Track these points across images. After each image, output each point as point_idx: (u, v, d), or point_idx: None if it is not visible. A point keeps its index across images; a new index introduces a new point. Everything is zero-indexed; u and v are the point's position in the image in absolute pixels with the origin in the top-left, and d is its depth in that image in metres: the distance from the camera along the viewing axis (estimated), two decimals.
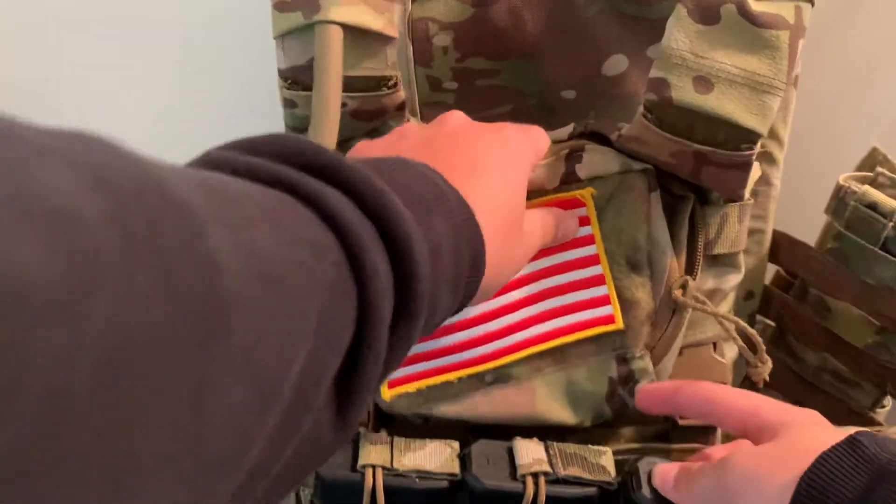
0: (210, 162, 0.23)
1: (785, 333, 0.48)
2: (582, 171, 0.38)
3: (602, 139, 0.38)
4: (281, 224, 0.21)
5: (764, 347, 0.38)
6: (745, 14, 0.34)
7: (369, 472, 0.33)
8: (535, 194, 0.37)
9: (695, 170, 0.36)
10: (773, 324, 0.49)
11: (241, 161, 0.23)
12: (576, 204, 0.38)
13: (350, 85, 0.37)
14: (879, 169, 0.43)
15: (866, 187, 0.42)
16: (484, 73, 0.42)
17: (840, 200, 0.43)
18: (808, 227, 0.46)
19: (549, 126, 0.44)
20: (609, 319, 0.38)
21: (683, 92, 0.34)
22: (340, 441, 0.24)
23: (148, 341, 0.15)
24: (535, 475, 0.34)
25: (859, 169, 0.46)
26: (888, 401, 0.46)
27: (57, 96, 0.59)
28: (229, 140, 0.24)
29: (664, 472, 0.34)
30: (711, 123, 0.34)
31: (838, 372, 0.46)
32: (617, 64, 0.42)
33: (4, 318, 0.12)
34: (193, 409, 0.16)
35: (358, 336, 0.22)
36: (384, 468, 0.33)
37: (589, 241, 0.38)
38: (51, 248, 0.13)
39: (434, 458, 0.35)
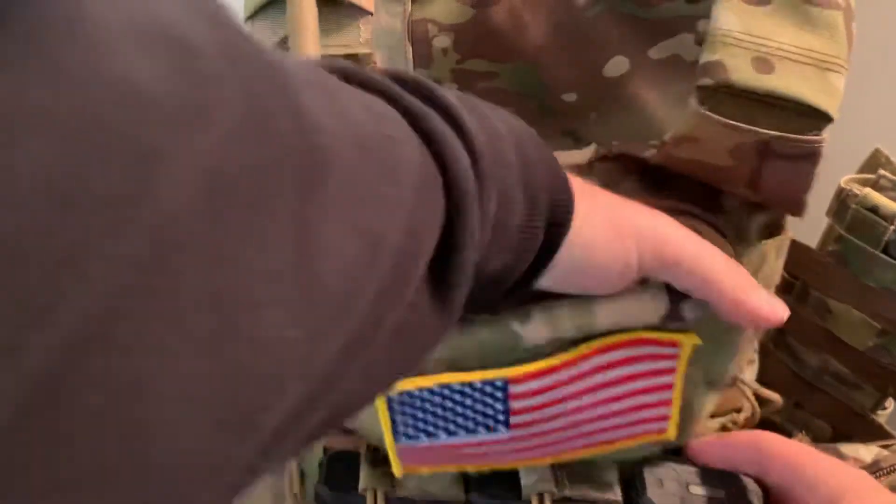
0: (325, 66, 0.24)
1: (786, 335, 0.48)
2: (688, 310, 0.31)
3: (629, 161, 0.36)
4: (371, 107, 0.22)
5: (781, 403, 0.37)
6: None
7: (370, 495, 0.33)
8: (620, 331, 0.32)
9: (756, 171, 0.33)
10: None
11: (352, 69, 0.24)
12: (669, 345, 0.32)
13: None
14: (882, 171, 0.43)
15: (868, 190, 0.42)
16: (484, 76, 0.42)
17: (842, 203, 0.43)
18: (810, 229, 0.46)
19: (549, 128, 0.44)
20: (662, 431, 0.35)
21: (743, 73, 0.31)
22: (443, 326, 0.24)
23: (251, 176, 0.15)
24: (541, 495, 0.33)
25: (861, 171, 0.46)
26: (889, 403, 0.46)
27: None
28: None
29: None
30: (775, 108, 0.31)
31: (839, 374, 0.46)
32: (618, 66, 0.42)
33: (129, 131, 0.12)
34: (298, 253, 0.16)
35: (449, 217, 0.23)
36: (386, 493, 0.33)
37: (667, 387, 0.33)
38: (173, 68, 0.13)
39: (438, 481, 0.34)
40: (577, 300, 0.30)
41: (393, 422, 0.31)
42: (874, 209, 0.41)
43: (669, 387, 0.33)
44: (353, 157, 0.19)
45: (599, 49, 0.41)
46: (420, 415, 0.31)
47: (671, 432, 0.34)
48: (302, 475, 0.39)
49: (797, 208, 0.35)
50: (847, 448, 0.40)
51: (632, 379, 0.32)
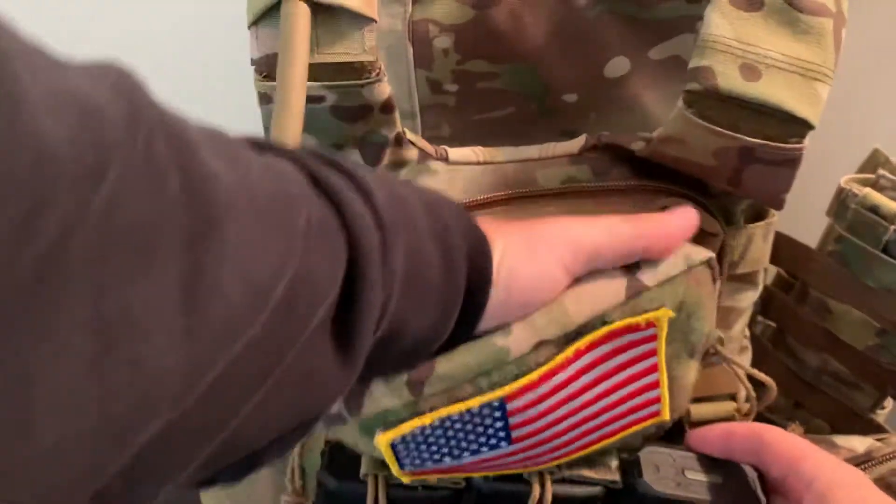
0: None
1: (785, 334, 0.48)
2: (648, 277, 0.32)
3: (618, 150, 0.37)
4: (273, 167, 0.23)
5: (776, 390, 0.37)
6: (790, 0, 0.32)
7: (371, 480, 0.33)
8: (597, 321, 0.32)
9: (737, 171, 0.34)
10: (773, 324, 0.49)
11: (259, 139, 0.26)
12: (647, 327, 0.32)
13: (324, 73, 0.34)
14: (881, 171, 0.43)
15: (868, 190, 0.42)
16: (484, 76, 0.42)
17: (842, 203, 0.43)
18: (810, 229, 0.46)
19: (549, 129, 0.44)
20: (656, 414, 0.35)
21: (730, 80, 0.32)
22: (345, 376, 0.25)
23: (138, 227, 0.17)
24: (541, 474, 0.34)
25: (861, 171, 0.46)
26: (888, 402, 0.46)
27: None
28: None
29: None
30: (760, 115, 0.32)
31: (838, 373, 0.46)
32: (618, 66, 0.42)
33: (27, 181, 0.15)
34: (185, 292, 0.18)
35: (350, 269, 0.24)
36: (387, 477, 0.33)
37: (653, 369, 0.33)
38: (76, 130, 0.16)
39: None
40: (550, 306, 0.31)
41: (397, 457, 0.32)
42: (874, 209, 0.41)
43: (655, 368, 0.33)
44: (245, 211, 0.20)
45: (600, 50, 0.41)
46: (424, 447, 0.32)
47: (665, 413, 0.35)
48: (303, 471, 0.39)
49: (776, 205, 0.36)
50: (841, 439, 0.40)
51: (620, 369, 0.33)
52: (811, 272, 0.45)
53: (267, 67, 0.35)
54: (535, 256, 0.30)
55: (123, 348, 0.17)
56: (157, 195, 0.18)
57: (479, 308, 0.29)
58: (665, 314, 0.32)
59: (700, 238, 0.38)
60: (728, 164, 0.34)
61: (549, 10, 0.40)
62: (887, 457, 0.39)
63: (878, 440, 0.40)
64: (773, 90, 0.32)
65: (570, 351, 0.31)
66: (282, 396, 0.23)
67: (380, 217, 0.25)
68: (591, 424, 0.33)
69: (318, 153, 0.27)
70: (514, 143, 0.43)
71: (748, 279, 0.40)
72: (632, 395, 0.34)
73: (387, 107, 0.36)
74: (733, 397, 0.40)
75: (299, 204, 0.23)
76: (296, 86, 0.33)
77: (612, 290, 0.32)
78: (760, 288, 0.41)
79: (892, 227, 0.41)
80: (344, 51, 0.34)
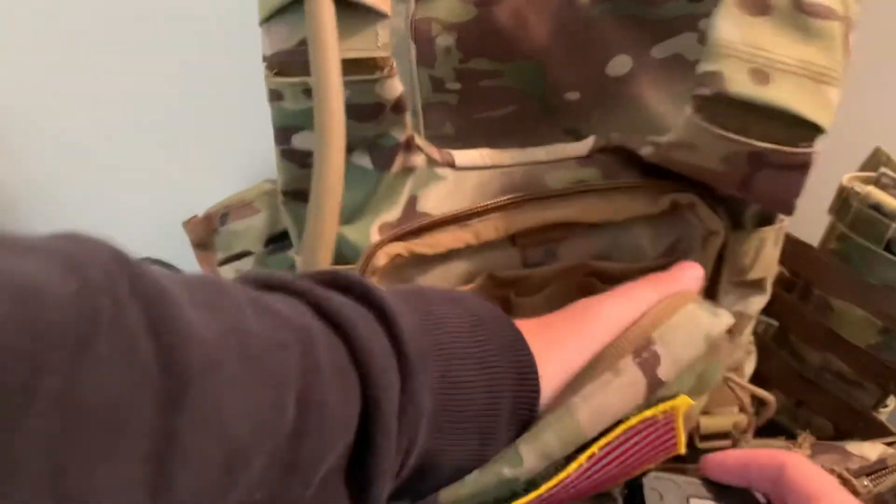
0: (238, 278, 0.25)
1: (787, 333, 0.48)
2: (667, 369, 0.30)
3: (628, 153, 0.36)
4: (269, 310, 0.22)
5: (774, 407, 0.37)
6: (799, 4, 0.32)
7: None
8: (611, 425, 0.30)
9: (747, 177, 0.33)
10: (775, 323, 0.49)
11: (262, 274, 0.25)
12: (665, 420, 0.30)
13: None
14: (883, 169, 0.43)
15: (870, 188, 0.42)
16: (487, 74, 0.42)
17: (844, 201, 0.43)
18: (812, 227, 0.46)
19: (552, 127, 0.44)
20: (671, 450, 0.33)
21: (740, 84, 0.31)
22: None
23: (107, 404, 0.16)
24: None
25: (863, 169, 0.46)
26: (891, 401, 0.46)
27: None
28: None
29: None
30: (770, 119, 0.32)
31: (841, 372, 0.46)
32: (621, 65, 0.42)
33: None
34: (155, 462, 0.18)
35: (366, 411, 0.23)
36: None
37: (671, 436, 0.31)
38: (16, 317, 0.15)
39: None
40: (558, 413, 0.29)
41: None
42: (877, 207, 0.41)
43: (672, 433, 0.32)
44: (229, 365, 0.19)
45: (602, 48, 0.41)
46: None
47: (681, 448, 0.33)
48: None
49: (786, 210, 0.35)
50: (853, 446, 0.40)
51: (636, 446, 0.31)
52: (813, 270, 0.45)
53: (279, 63, 0.35)
54: (584, 354, 0.30)
55: None
56: (125, 368, 0.17)
57: (528, 423, 0.28)
58: (684, 403, 0.30)
59: (705, 240, 0.37)
60: (738, 170, 0.33)
61: (551, 9, 0.40)
62: None
63: (889, 444, 0.40)
64: (783, 94, 0.31)
65: (583, 458, 0.29)
66: None
67: (403, 350, 0.24)
68: (604, 478, 0.32)
69: (336, 275, 0.25)
70: (517, 141, 0.43)
71: (758, 285, 0.39)
72: (649, 452, 0.32)
73: (398, 106, 0.36)
74: (742, 408, 0.40)
75: (301, 346, 0.21)
76: (333, 82, 0.32)
77: (630, 396, 0.30)
78: (769, 294, 0.40)
79: (895, 225, 0.41)
80: (360, 46, 0.34)
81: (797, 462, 0.32)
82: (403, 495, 0.25)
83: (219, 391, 0.19)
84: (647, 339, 0.31)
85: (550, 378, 0.29)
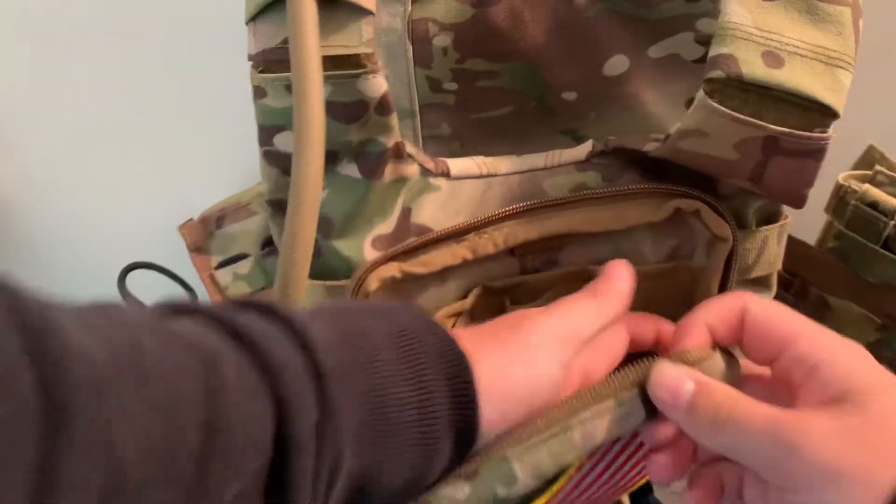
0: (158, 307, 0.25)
1: None
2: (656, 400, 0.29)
3: (628, 154, 0.36)
4: (169, 333, 0.21)
5: None
6: None
7: None
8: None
9: (760, 165, 0.33)
10: None
11: (172, 301, 0.24)
12: None
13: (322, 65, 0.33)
14: (878, 167, 0.43)
15: (867, 186, 0.42)
16: (484, 75, 0.42)
17: (840, 199, 0.43)
18: (808, 225, 0.46)
19: (549, 127, 0.44)
20: None
21: (753, 67, 0.31)
22: None
23: None
24: None
25: (856, 167, 0.46)
26: None
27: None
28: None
29: (674, 380, 0.27)
30: (782, 103, 0.31)
31: None
32: (618, 64, 0.42)
33: None
34: (37, 492, 0.17)
35: (280, 431, 0.22)
36: None
37: None
38: None
39: None
40: (553, 431, 0.29)
41: None
42: (874, 205, 0.41)
43: None
44: (116, 391, 0.19)
45: (599, 48, 0.41)
46: None
47: None
48: None
49: (797, 202, 0.35)
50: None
51: (626, 448, 0.32)
52: (811, 269, 0.45)
53: (264, 62, 0.35)
54: (526, 362, 0.29)
55: None
56: (4, 402, 0.17)
57: (471, 434, 0.27)
58: None
59: (711, 245, 0.37)
60: (751, 157, 0.33)
61: (548, 9, 0.40)
62: None
63: None
64: (797, 77, 0.31)
65: (572, 470, 0.30)
66: None
67: (318, 366, 0.23)
68: (601, 492, 0.32)
69: (249, 302, 0.25)
70: (514, 141, 0.43)
71: (763, 282, 0.39)
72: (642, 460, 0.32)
73: (383, 106, 0.35)
74: None
75: (204, 367, 0.21)
76: (314, 80, 0.32)
77: (629, 424, 0.29)
78: (774, 290, 0.40)
79: (892, 223, 0.41)
80: (342, 43, 0.33)
81: (758, 302, 0.28)
82: None
83: (106, 416, 0.19)
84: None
85: (486, 383, 0.28)
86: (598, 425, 0.28)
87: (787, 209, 0.44)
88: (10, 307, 0.18)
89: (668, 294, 0.39)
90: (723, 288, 0.38)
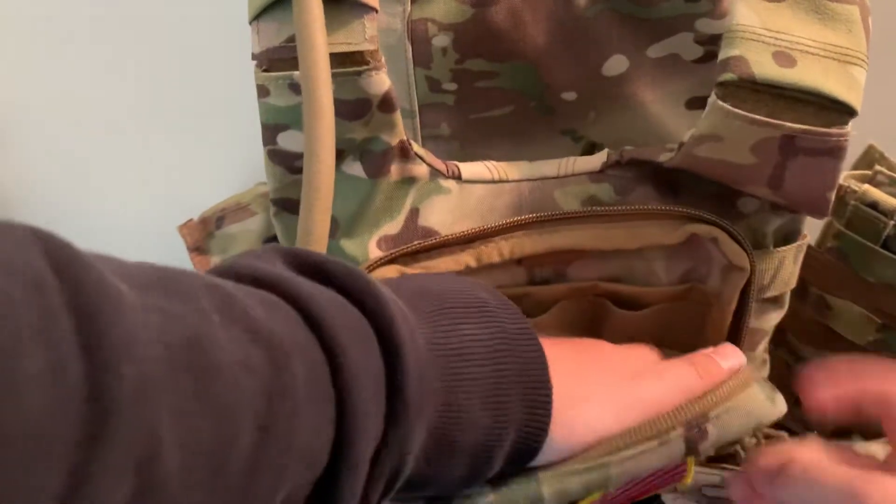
0: (218, 269, 0.23)
1: (785, 332, 0.48)
2: (706, 447, 0.30)
3: (642, 166, 0.36)
4: (243, 318, 0.20)
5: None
6: None
7: None
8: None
9: (778, 168, 0.32)
10: None
11: (239, 264, 0.22)
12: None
13: None
14: (878, 167, 0.43)
15: (867, 186, 0.42)
16: (483, 75, 0.42)
17: (840, 199, 0.43)
18: (808, 225, 0.46)
19: (549, 127, 0.44)
20: (679, 478, 0.33)
21: (765, 67, 0.31)
22: None
23: (21, 436, 0.15)
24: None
25: (856, 167, 0.46)
26: None
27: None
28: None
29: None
30: (797, 103, 0.31)
31: None
32: (617, 64, 0.42)
33: None
34: (67, 488, 0.16)
35: (337, 442, 0.21)
36: None
37: (679, 479, 0.32)
38: None
39: None
40: (590, 466, 0.29)
41: None
42: (873, 205, 0.41)
43: (683, 470, 0.33)
44: (167, 391, 0.18)
45: (599, 48, 0.41)
46: None
47: (689, 480, 0.33)
48: None
49: (820, 208, 0.34)
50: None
51: (646, 481, 0.32)
52: (810, 269, 0.45)
53: (268, 61, 0.35)
54: (618, 413, 0.29)
55: None
56: (49, 392, 0.15)
57: (531, 454, 0.27)
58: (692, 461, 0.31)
59: (727, 271, 0.37)
60: (769, 160, 0.33)
61: (548, 9, 0.40)
62: None
63: None
64: (811, 76, 0.31)
65: (596, 496, 0.30)
66: None
67: (403, 390, 0.22)
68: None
69: (338, 272, 0.22)
70: (514, 141, 0.43)
71: (776, 300, 0.39)
72: (656, 483, 0.33)
73: (386, 103, 0.35)
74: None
75: (272, 366, 0.19)
76: (322, 80, 0.32)
77: (664, 461, 0.30)
78: (786, 308, 0.40)
79: (892, 223, 0.41)
80: (345, 40, 0.33)
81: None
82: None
83: (152, 419, 0.17)
84: (704, 416, 0.30)
85: (566, 424, 0.28)
86: (638, 462, 0.29)
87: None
88: (68, 282, 0.16)
89: (679, 316, 0.39)
90: (739, 315, 0.37)
